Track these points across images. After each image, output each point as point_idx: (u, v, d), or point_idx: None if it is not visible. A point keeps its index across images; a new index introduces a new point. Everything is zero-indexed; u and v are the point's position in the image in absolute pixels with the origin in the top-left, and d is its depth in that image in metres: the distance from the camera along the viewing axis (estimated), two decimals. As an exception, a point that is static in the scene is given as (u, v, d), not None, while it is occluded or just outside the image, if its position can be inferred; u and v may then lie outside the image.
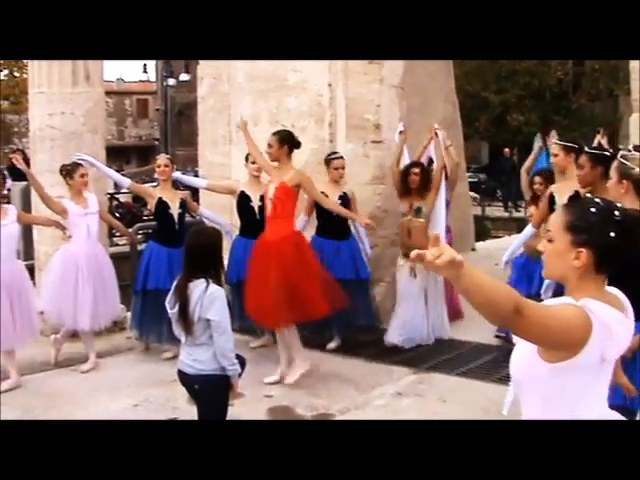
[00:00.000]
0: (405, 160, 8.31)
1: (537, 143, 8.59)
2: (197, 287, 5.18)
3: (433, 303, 8.26)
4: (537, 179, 7.93)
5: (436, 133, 8.31)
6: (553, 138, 7.79)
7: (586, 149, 6.05)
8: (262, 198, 7.93)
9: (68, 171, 7.49)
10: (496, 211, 24.85)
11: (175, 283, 5.38)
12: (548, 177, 7.70)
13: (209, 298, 5.12)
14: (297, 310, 6.94)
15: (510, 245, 7.41)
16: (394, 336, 8.06)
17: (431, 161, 8.47)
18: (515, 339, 2.54)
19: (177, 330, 5.44)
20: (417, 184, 8.01)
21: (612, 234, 2.44)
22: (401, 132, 8.33)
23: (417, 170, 8.03)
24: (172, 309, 5.22)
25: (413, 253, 2.29)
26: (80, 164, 7.54)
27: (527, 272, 7.82)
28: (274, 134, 7.22)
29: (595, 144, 7.79)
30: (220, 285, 5.27)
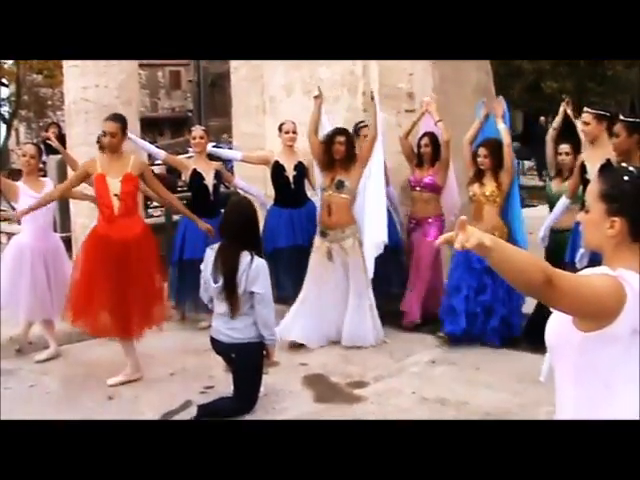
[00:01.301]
0: (324, 128, 7.57)
1: (481, 110, 7.45)
2: (242, 260, 5.25)
3: (356, 296, 7.29)
4: (482, 151, 7.08)
5: (372, 97, 7.49)
6: (501, 102, 7.31)
7: (621, 117, 5.99)
8: (296, 167, 7.96)
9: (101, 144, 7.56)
10: (530, 180, 24.65)
11: (215, 256, 5.41)
12: (494, 148, 7.06)
13: (255, 271, 5.21)
14: (121, 324, 6.39)
15: (546, 219, 7.05)
16: (289, 331, 7.19)
17: (428, 135, 7.81)
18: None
19: (206, 298, 5.52)
20: (342, 155, 7.26)
21: None
22: (316, 97, 7.49)
23: (342, 139, 7.27)
24: (216, 283, 5.25)
25: (441, 239, 2.28)
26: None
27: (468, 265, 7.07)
28: (114, 120, 6.46)
29: (560, 114, 7.44)
30: (261, 256, 5.33)
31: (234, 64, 10.41)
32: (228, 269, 5.24)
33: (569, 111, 7.37)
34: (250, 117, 9.97)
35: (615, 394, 2.44)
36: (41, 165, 7.74)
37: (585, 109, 6.53)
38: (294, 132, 8.04)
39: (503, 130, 7.12)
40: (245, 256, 5.24)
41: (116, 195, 6.30)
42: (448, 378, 6.40)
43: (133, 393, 6.23)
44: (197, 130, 8.10)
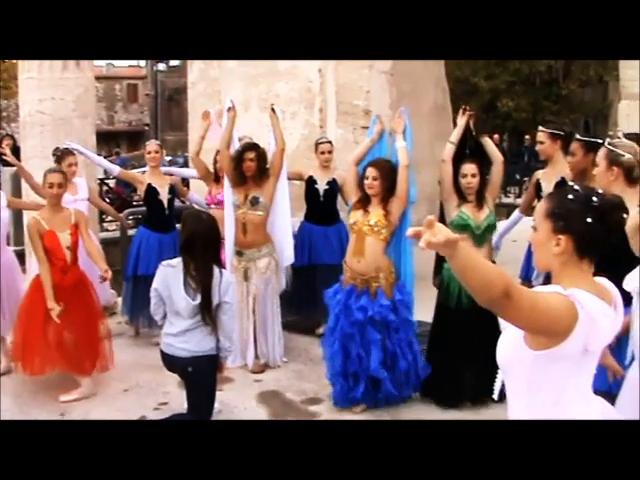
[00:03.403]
0: (235, 143, 7.23)
1: (375, 125, 6.38)
2: (214, 274, 5.26)
3: (263, 315, 7.06)
4: (371, 172, 5.92)
5: (273, 109, 7.14)
6: (402, 117, 6.23)
7: (577, 136, 6.03)
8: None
9: (58, 157, 7.50)
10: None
11: (184, 273, 5.27)
12: (386, 170, 5.94)
13: (226, 283, 5.25)
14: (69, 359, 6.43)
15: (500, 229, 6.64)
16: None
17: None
18: (503, 325, 2.56)
19: (159, 315, 5.44)
20: (253, 171, 6.93)
21: (589, 220, 2.46)
22: (229, 109, 7.10)
23: (252, 155, 6.92)
24: (194, 300, 5.19)
25: (410, 231, 2.26)
26: (70, 152, 7.56)
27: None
28: (59, 171, 6.58)
29: (459, 127, 6.13)
30: (224, 268, 5.35)
31: (191, 79, 10.42)
32: (206, 284, 5.20)
33: (462, 121, 6.23)
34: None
35: (566, 411, 2.48)
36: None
37: (540, 128, 6.51)
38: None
39: (400, 149, 6.08)
40: (215, 269, 5.23)
41: (68, 247, 6.40)
42: (403, 395, 6.40)
43: (86, 409, 6.15)
44: (152, 144, 8.05)
